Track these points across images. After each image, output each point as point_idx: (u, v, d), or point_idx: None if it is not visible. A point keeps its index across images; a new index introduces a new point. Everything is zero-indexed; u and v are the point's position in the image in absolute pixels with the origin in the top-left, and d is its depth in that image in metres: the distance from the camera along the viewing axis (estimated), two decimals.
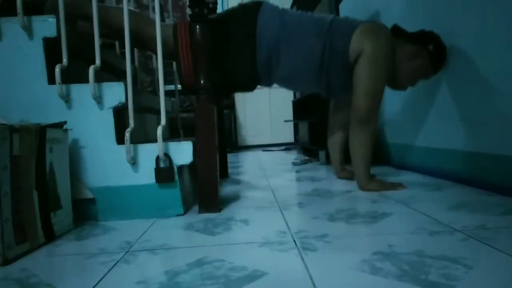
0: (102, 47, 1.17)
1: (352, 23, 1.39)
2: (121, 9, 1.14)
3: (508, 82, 1.14)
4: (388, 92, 2.05)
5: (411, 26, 1.74)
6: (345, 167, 1.70)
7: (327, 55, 1.36)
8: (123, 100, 1.11)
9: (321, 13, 1.46)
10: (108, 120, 1.11)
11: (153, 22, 1.20)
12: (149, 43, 1.39)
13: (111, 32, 1.45)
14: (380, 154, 2.15)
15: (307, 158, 2.73)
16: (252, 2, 1.46)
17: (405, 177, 1.63)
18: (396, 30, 1.44)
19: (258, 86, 1.51)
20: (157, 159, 1.10)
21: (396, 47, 1.40)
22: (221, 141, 1.82)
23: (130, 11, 1.15)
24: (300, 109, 3.13)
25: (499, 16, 1.16)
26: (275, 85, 1.53)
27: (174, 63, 1.55)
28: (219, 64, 1.36)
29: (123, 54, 1.58)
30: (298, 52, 1.36)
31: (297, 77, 1.43)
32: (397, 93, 1.95)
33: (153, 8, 2.04)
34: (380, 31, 1.39)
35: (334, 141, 1.73)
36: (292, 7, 3.42)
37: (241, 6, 1.45)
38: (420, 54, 1.40)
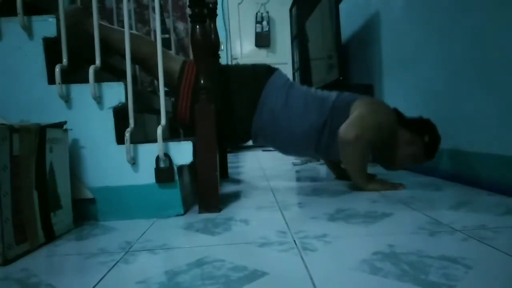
0: (102, 47, 1.16)
1: (353, 98, 1.41)
2: (123, 32, 1.14)
3: (507, 81, 1.14)
4: (389, 92, 2.06)
5: (411, 26, 1.74)
6: (343, 167, 1.70)
7: (326, 131, 1.39)
8: (123, 100, 1.11)
9: (325, 91, 1.49)
10: (108, 120, 1.11)
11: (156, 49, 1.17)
12: (155, 73, 1.38)
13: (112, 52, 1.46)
14: None
15: (307, 158, 2.73)
16: (264, 67, 1.49)
17: (405, 177, 1.63)
18: (396, 114, 1.44)
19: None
20: (157, 159, 1.10)
21: (396, 127, 1.41)
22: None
23: (131, 35, 1.15)
24: None
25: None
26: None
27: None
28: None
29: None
30: (299, 125, 1.39)
31: (295, 147, 1.47)
32: (398, 94, 1.96)
33: (153, 8, 2.05)
34: (381, 103, 1.44)
35: None
36: (292, 7, 3.42)
37: (253, 68, 1.49)
38: (415, 143, 1.41)
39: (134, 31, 1.51)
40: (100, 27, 1.14)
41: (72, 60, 1.10)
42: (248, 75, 1.45)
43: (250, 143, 1.56)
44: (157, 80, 1.34)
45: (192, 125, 1.33)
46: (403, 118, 1.44)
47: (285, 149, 1.53)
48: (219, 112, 1.26)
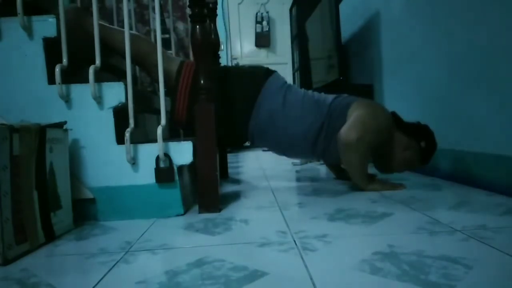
0: (102, 47, 1.16)
1: (350, 100, 1.41)
2: (122, 32, 1.14)
3: (508, 81, 1.14)
4: (389, 92, 2.06)
5: (411, 26, 1.74)
6: (343, 167, 1.70)
7: (323, 134, 1.39)
8: (123, 100, 1.11)
9: (323, 94, 1.49)
10: (108, 120, 1.11)
11: (156, 49, 1.17)
12: (153, 73, 1.39)
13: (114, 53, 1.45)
14: None
15: (304, 159, 2.73)
16: (262, 69, 1.49)
17: (405, 177, 1.63)
18: (394, 118, 1.44)
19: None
20: (157, 159, 1.10)
21: (393, 131, 1.41)
22: None
23: (133, 36, 1.15)
24: None
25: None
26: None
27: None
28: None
29: None
30: (296, 127, 1.39)
31: (292, 149, 1.47)
32: (398, 94, 1.96)
33: (153, 8, 2.04)
34: (379, 106, 1.43)
35: None
36: (292, 7, 3.42)
37: (251, 70, 1.48)
38: (412, 148, 1.41)
39: (133, 31, 1.51)
40: (100, 27, 1.13)
41: (72, 60, 1.11)
42: (245, 77, 1.45)
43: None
44: (156, 80, 1.34)
45: (189, 126, 1.32)
46: (401, 122, 1.44)
47: (283, 151, 1.52)
48: (217, 114, 1.26)
